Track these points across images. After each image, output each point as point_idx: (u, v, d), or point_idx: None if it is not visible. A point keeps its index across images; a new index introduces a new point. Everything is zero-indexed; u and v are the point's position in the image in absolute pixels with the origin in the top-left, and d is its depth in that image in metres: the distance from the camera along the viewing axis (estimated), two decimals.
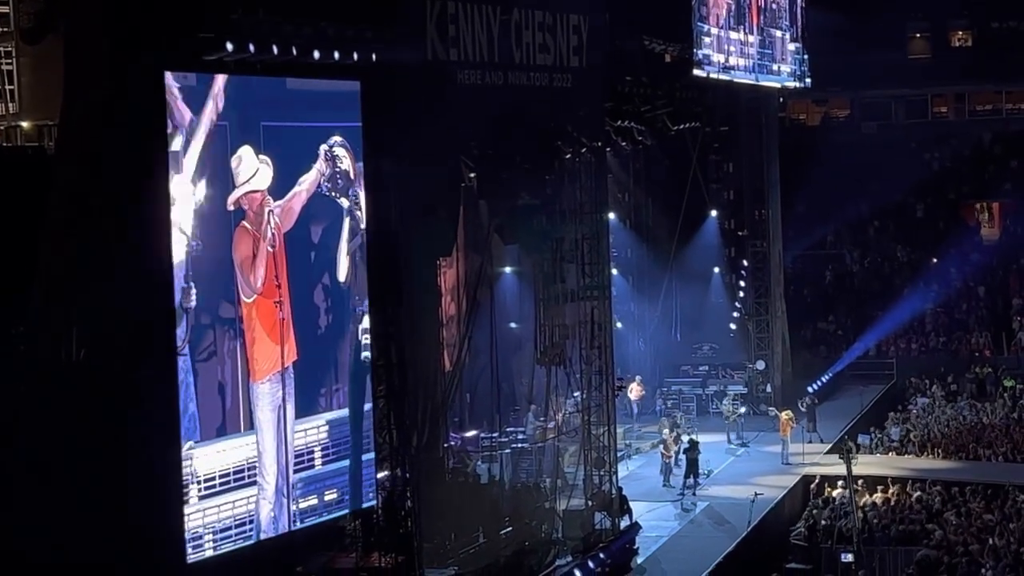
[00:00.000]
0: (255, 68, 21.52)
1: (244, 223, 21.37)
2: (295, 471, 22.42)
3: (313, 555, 23.66)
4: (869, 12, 57.98)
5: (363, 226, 23.61)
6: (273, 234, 21.95)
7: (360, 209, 23.54)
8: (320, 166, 22.77)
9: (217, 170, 20.72)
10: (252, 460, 21.59)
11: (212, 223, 20.70)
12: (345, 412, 23.40)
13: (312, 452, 22.82)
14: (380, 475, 24.10)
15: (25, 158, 20.32)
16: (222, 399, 21.19)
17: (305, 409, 22.64)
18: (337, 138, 23.06)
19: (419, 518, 24.61)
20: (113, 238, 19.66)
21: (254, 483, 21.63)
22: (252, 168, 21.42)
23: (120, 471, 19.55)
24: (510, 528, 27.76)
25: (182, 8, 20.05)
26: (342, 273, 23.29)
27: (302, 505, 22.59)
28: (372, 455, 23.83)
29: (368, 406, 23.76)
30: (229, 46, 20.63)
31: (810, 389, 46.18)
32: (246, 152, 21.33)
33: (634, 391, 40.97)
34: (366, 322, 23.63)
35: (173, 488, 20.15)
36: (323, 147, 22.82)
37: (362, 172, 23.51)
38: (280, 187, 22.01)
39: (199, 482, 20.60)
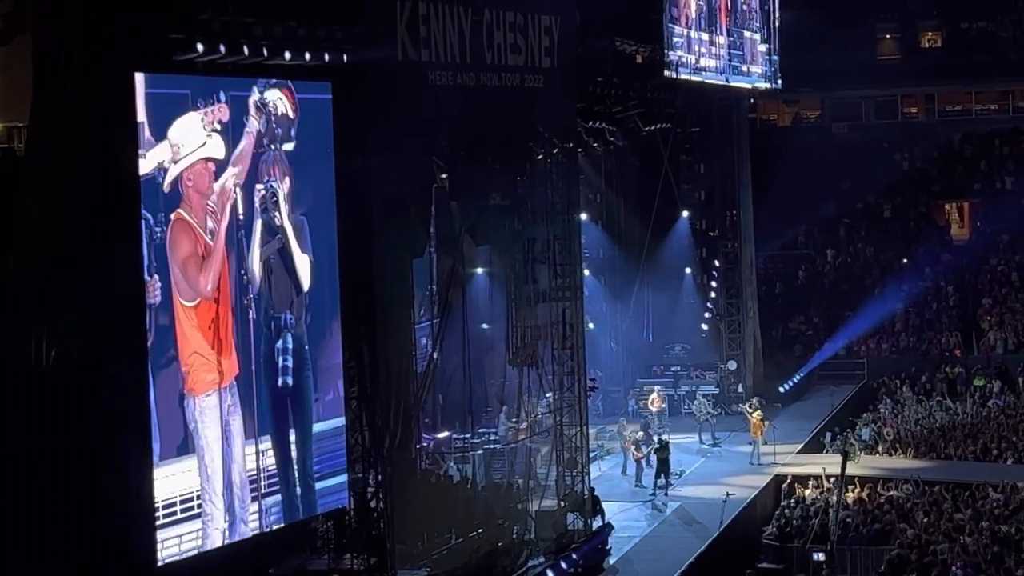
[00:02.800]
0: (226, 69, 21.47)
1: (181, 211, 20.49)
2: (244, 498, 21.70)
3: (285, 557, 23.62)
4: (839, 13, 58.11)
5: (283, 223, 22.53)
6: (214, 227, 21.07)
7: (278, 207, 22.40)
8: (253, 124, 21.69)
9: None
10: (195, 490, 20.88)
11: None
12: (324, 426, 22.99)
13: (257, 480, 22.07)
14: (352, 477, 24.07)
15: None
16: (183, 412, 20.66)
17: (252, 430, 21.86)
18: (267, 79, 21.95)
19: (391, 519, 24.57)
20: (83, 240, 19.57)
21: (199, 515, 20.92)
22: (199, 137, 20.64)
23: (90, 474, 19.47)
24: (482, 529, 27.74)
25: (152, 9, 19.99)
26: (255, 282, 22.20)
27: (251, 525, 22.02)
28: (314, 485, 23.21)
29: (294, 435, 22.76)
30: (199, 47, 20.61)
31: (781, 389, 46.44)
32: (191, 119, 20.54)
33: (654, 402, 40.92)
34: (289, 340, 22.62)
35: (144, 491, 20.08)
36: (251, 99, 21.67)
37: (300, 108, 22.42)
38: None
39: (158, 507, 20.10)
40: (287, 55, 22.17)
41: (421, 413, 27.40)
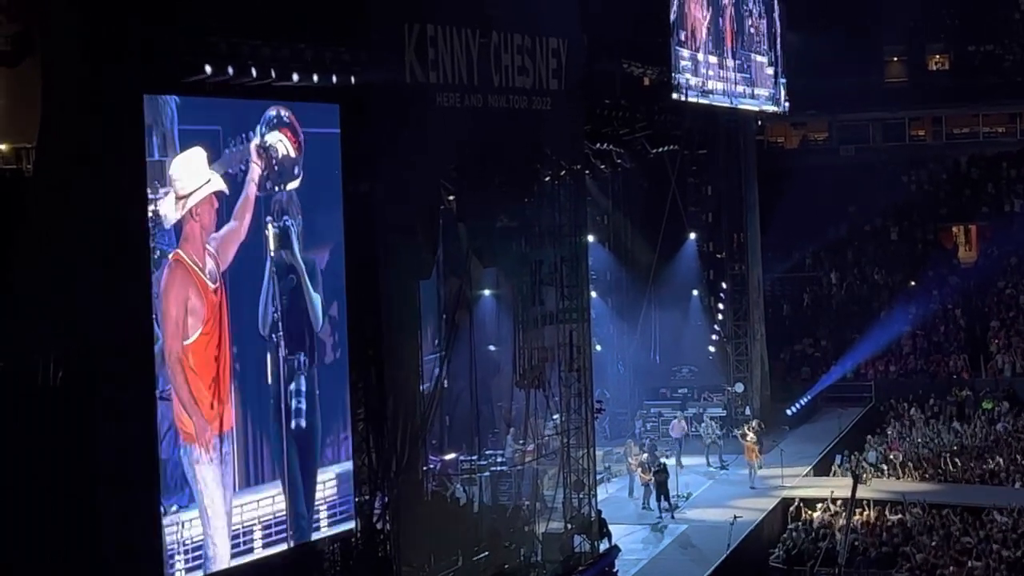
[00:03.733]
0: (234, 91, 21.52)
1: (180, 252, 20.18)
2: (232, 554, 21.23)
3: None
4: (847, 36, 58.17)
5: (296, 262, 22.44)
6: (214, 268, 20.67)
7: (290, 245, 22.26)
8: (255, 170, 21.50)
9: None
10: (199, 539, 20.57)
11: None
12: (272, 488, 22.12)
13: (251, 532, 21.58)
14: (359, 498, 24.05)
15: (2, 181, 20.22)
16: (177, 457, 20.25)
17: (247, 480, 21.36)
18: (272, 113, 21.77)
19: (398, 541, 24.55)
20: (91, 261, 19.59)
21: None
22: (203, 173, 20.46)
23: (96, 494, 19.46)
24: (489, 551, 27.71)
25: (160, 31, 20.05)
26: (268, 323, 22.00)
27: None
28: (325, 532, 23.06)
29: (298, 477, 22.37)
30: (208, 68, 20.66)
31: (789, 412, 46.36)
32: (196, 155, 20.41)
33: (675, 428, 40.83)
34: (302, 382, 22.39)
35: (150, 508, 20.06)
36: (253, 143, 21.54)
37: (304, 144, 22.24)
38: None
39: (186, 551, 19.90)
40: (295, 77, 22.22)
41: (428, 435, 27.38)
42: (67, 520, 19.25)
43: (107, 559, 19.55)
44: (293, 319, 22.32)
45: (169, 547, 20.02)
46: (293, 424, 22.27)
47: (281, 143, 22.02)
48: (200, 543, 20.61)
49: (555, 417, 30.82)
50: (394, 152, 24.58)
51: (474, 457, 29.98)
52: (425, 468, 27.25)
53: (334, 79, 23.12)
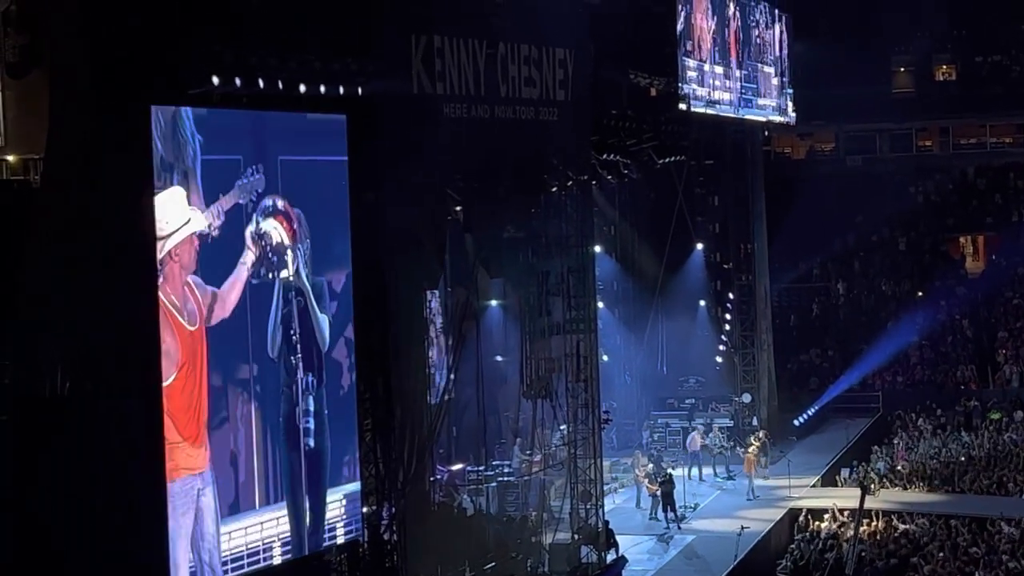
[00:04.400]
0: (241, 102, 21.55)
1: (160, 294, 19.77)
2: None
3: None
4: (854, 46, 58.21)
5: (302, 286, 22.45)
6: (193, 309, 20.44)
7: (296, 272, 22.26)
8: (248, 255, 21.41)
9: None
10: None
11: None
12: (278, 510, 21.98)
13: (240, 559, 21.24)
14: (366, 509, 24.05)
15: (10, 192, 20.27)
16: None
17: (232, 509, 21.07)
18: (268, 202, 21.71)
19: (405, 552, 24.54)
20: (99, 273, 19.62)
21: None
22: (183, 212, 20.20)
23: (104, 504, 19.48)
24: (496, 562, 27.69)
25: (167, 42, 20.09)
26: (273, 347, 21.94)
27: None
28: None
29: (308, 500, 22.31)
30: (215, 80, 20.70)
31: (796, 422, 46.34)
32: (176, 194, 20.11)
33: (692, 442, 40.67)
34: (311, 403, 22.36)
35: (157, 519, 20.07)
36: (248, 229, 21.36)
37: (298, 229, 22.24)
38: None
39: None
40: (302, 88, 22.26)
41: (435, 445, 27.40)
42: (72, 529, 19.26)
43: (113, 568, 19.55)
44: (302, 341, 22.34)
45: None
46: (302, 444, 22.26)
47: (275, 230, 21.90)
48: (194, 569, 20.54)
49: (562, 427, 30.82)
50: (401, 162, 24.61)
51: (481, 467, 29.99)
52: (432, 479, 27.27)
53: (341, 90, 23.15)
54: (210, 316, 20.71)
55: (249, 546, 21.37)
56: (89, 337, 19.42)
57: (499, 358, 32.77)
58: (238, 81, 21.03)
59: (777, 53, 46.56)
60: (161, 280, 19.81)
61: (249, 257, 21.39)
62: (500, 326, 32.90)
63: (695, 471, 40.18)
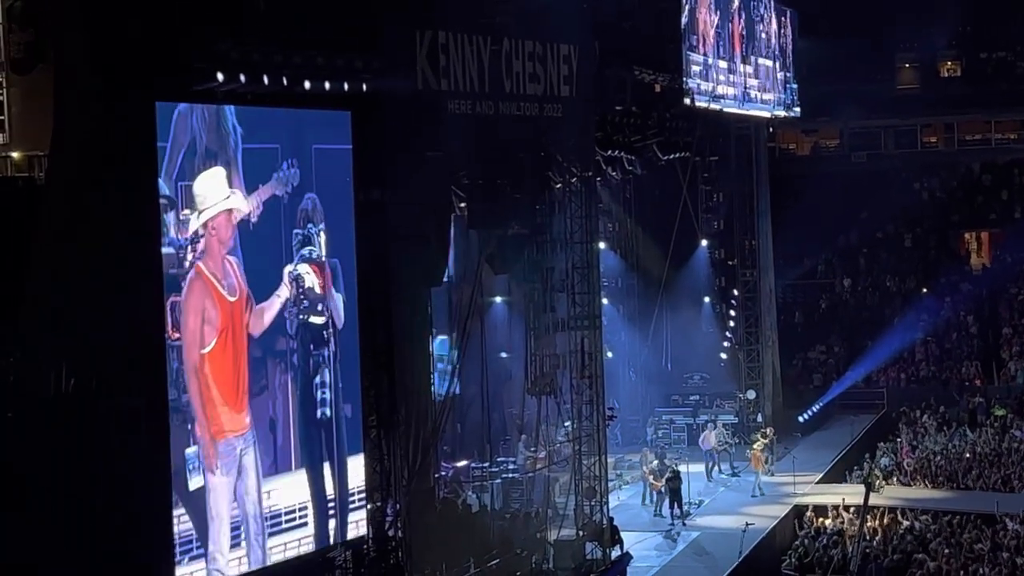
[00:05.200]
0: (245, 98, 21.55)
1: (201, 264, 20.71)
2: (269, 534, 22.04)
3: None
4: (858, 42, 58.13)
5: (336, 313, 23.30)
6: (233, 283, 21.34)
7: (327, 321, 23.14)
8: (284, 292, 22.38)
9: None
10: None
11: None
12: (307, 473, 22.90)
13: (279, 515, 22.29)
14: (370, 506, 24.06)
15: (15, 188, 20.28)
16: (194, 455, 20.77)
17: (271, 469, 22.07)
18: (307, 251, 22.75)
19: (410, 548, 24.56)
20: (103, 269, 19.62)
21: (202, 555, 21.02)
22: (223, 190, 21.08)
23: (109, 502, 19.48)
24: (500, 558, 27.68)
25: (172, 38, 20.08)
26: (295, 321, 22.81)
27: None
28: (344, 515, 23.45)
29: (327, 465, 23.08)
30: (220, 76, 20.70)
31: (801, 419, 46.32)
32: (216, 173, 20.99)
33: (706, 440, 40.46)
34: (327, 375, 23.02)
35: (160, 518, 20.09)
36: (287, 269, 22.42)
37: (331, 283, 23.18)
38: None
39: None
40: (307, 84, 22.26)
41: (440, 442, 27.41)
42: (74, 528, 19.26)
43: (115, 567, 19.56)
44: (317, 317, 23.09)
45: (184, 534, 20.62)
46: (319, 413, 22.95)
47: (309, 275, 22.87)
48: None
49: (567, 424, 30.81)
50: (406, 159, 24.60)
51: (486, 464, 30.02)
52: (437, 475, 27.30)
53: (346, 86, 23.16)
54: (249, 324, 21.73)
55: (287, 505, 22.34)
56: (93, 335, 19.42)
57: (503, 355, 32.78)
58: (242, 77, 21.05)
59: (782, 48, 46.51)
60: (202, 253, 20.67)
61: (284, 292, 22.37)
62: (505, 323, 32.92)
63: (714, 469, 40.07)
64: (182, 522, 20.44)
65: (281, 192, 22.10)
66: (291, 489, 22.48)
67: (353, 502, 23.57)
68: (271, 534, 22.08)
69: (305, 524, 22.71)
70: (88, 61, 19.78)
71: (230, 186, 21.18)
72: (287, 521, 22.38)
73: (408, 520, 24.62)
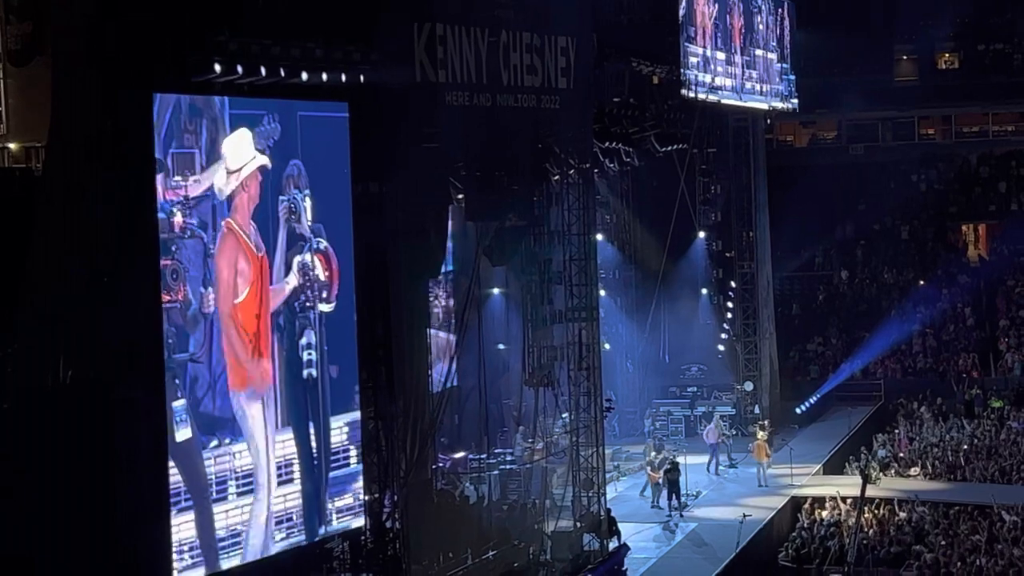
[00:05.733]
0: (242, 90, 21.56)
1: (231, 220, 21.44)
2: (279, 483, 22.50)
3: None
4: (856, 34, 58.13)
5: (305, 232, 23.25)
6: (259, 241, 22.01)
7: (300, 218, 23.14)
8: (293, 279, 22.78)
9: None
10: (248, 468, 21.80)
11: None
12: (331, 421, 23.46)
13: (291, 464, 22.80)
14: (368, 497, 24.09)
15: (12, 180, 20.29)
16: (228, 402, 21.54)
17: (283, 420, 22.63)
18: (315, 241, 23.12)
19: (407, 540, 24.59)
20: (101, 261, 19.64)
21: (250, 491, 21.78)
22: (251, 151, 21.72)
23: (107, 493, 19.51)
24: (498, 549, 27.74)
25: (169, 30, 20.08)
26: (284, 283, 23.07)
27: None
28: (331, 478, 23.60)
29: (314, 427, 23.40)
30: (217, 68, 20.71)
31: (798, 410, 46.37)
32: (243, 134, 21.57)
33: (710, 434, 40.30)
34: (309, 336, 23.26)
35: (161, 508, 20.13)
36: (296, 258, 22.79)
37: (338, 272, 23.47)
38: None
39: (236, 479, 21.39)
40: (304, 76, 22.26)
41: (437, 434, 27.43)
42: (74, 518, 19.29)
43: (116, 558, 19.59)
44: (304, 281, 23.27)
45: (221, 475, 21.37)
46: (304, 374, 23.19)
47: (318, 264, 23.28)
48: (250, 471, 21.91)
49: (564, 416, 30.82)
50: (403, 151, 24.61)
51: (483, 456, 30.01)
52: (435, 467, 27.32)
53: (343, 78, 23.14)
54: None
55: (287, 456, 22.73)
56: (91, 326, 19.44)
57: (501, 346, 32.77)
58: (240, 68, 21.04)
59: (779, 40, 46.50)
60: (233, 210, 21.47)
61: (293, 280, 22.82)
62: (502, 314, 32.90)
63: (721, 463, 40.04)
64: (172, 475, 20.75)
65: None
66: (285, 444, 22.87)
67: (337, 460, 23.68)
68: (284, 482, 22.62)
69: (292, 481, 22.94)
70: (85, 53, 19.79)
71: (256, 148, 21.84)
72: (287, 472, 22.78)
73: (406, 511, 24.65)
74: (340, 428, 23.70)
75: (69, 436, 19.32)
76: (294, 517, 22.77)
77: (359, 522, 23.98)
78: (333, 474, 23.52)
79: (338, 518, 23.66)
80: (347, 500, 23.83)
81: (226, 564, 21.46)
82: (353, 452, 23.93)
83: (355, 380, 24.05)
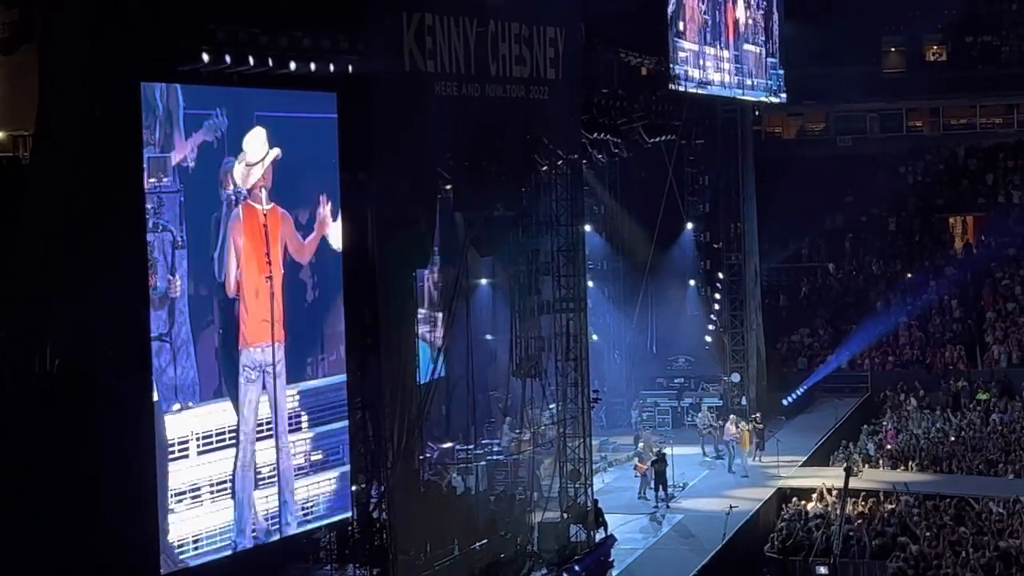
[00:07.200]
0: (231, 79, 21.51)
1: (251, 202, 22.20)
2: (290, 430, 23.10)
3: (288, 567, 23.60)
4: (844, 27, 58.13)
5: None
6: (266, 212, 22.49)
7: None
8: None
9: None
10: (232, 426, 22.01)
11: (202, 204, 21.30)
12: (328, 380, 23.86)
13: (300, 416, 23.28)
14: (355, 487, 24.06)
15: (0, 168, 20.24)
16: (218, 364, 21.70)
17: (293, 377, 23.15)
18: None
19: (394, 530, 24.57)
20: (88, 249, 19.60)
21: (234, 445, 22.00)
22: (265, 147, 22.20)
23: (94, 482, 19.49)
24: (485, 540, 27.71)
25: (157, 19, 20.04)
26: (336, 241, 23.76)
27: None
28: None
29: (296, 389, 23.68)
30: (205, 57, 20.67)
31: (785, 402, 46.43)
32: (260, 132, 22.12)
33: (727, 431, 40.07)
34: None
35: (148, 497, 20.11)
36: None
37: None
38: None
39: (197, 439, 21.29)
40: (292, 65, 22.21)
41: (425, 424, 27.40)
42: (62, 505, 19.27)
43: (105, 544, 19.57)
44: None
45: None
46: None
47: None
48: (269, 419, 22.70)
49: (551, 406, 30.80)
50: (391, 141, 24.57)
51: (470, 446, 29.97)
52: (422, 457, 27.27)
53: (332, 67, 23.09)
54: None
55: (292, 409, 23.26)
56: (79, 314, 19.41)
57: (489, 337, 32.74)
58: (228, 58, 21.01)
59: (768, 34, 46.50)
60: (251, 195, 22.29)
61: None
62: (489, 305, 32.87)
63: (737, 460, 39.60)
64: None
65: (211, 138, 21.89)
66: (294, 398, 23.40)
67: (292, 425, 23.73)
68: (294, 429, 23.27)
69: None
70: (74, 40, 19.75)
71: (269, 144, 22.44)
72: (294, 425, 23.29)
73: (393, 502, 24.63)
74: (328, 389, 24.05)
75: (56, 426, 19.28)
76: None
77: (346, 513, 23.96)
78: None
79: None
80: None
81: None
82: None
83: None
